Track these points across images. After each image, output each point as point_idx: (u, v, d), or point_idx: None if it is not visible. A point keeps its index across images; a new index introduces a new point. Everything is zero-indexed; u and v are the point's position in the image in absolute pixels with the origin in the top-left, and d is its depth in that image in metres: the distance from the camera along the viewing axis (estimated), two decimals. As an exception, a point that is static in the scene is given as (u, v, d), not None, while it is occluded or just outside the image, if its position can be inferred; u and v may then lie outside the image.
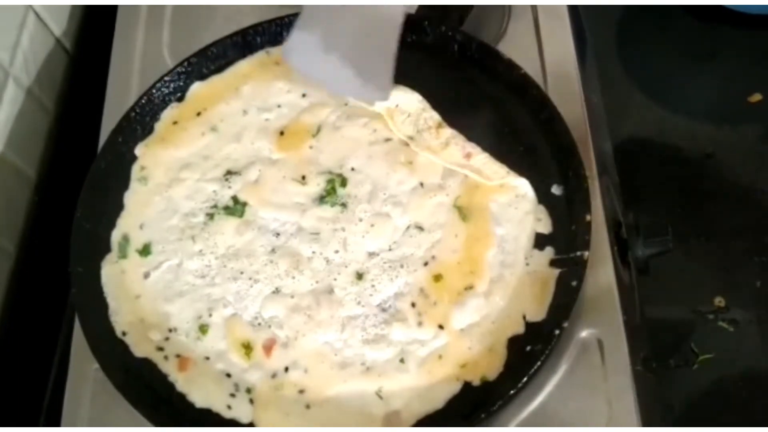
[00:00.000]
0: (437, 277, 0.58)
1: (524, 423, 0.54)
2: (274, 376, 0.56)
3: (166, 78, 0.68)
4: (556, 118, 0.61)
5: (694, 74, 0.75)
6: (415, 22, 0.67)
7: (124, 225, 0.63)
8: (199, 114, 0.67)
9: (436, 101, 0.66)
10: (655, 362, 0.58)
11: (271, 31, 0.70)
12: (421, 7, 0.68)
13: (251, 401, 0.55)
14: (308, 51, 0.63)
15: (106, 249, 0.62)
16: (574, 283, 0.55)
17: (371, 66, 0.61)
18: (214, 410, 0.56)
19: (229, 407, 0.55)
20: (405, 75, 0.66)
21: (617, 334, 0.57)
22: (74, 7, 0.81)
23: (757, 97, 0.70)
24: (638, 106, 0.73)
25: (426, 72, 0.67)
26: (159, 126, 0.67)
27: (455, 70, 0.67)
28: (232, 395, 0.56)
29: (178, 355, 0.58)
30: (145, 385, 0.57)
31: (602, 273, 0.58)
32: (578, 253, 0.56)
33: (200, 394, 0.56)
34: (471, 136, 0.64)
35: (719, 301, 0.59)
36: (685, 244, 0.65)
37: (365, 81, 0.62)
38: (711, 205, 0.67)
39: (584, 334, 0.57)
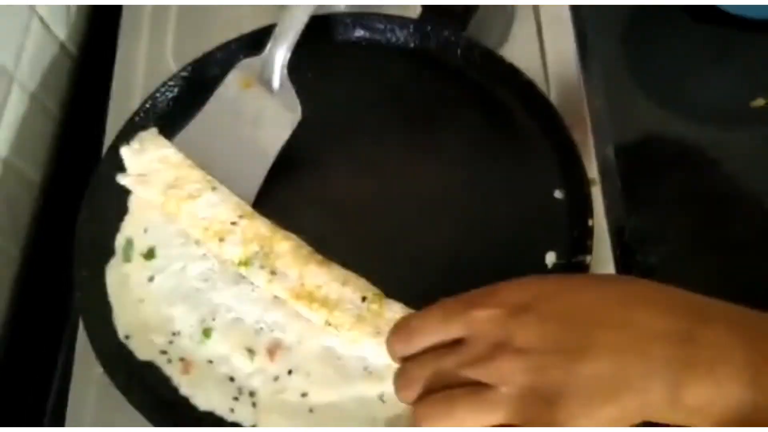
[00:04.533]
0: (439, 281, 0.58)
1: (526, 427, 0.54)
2: (276, 379, 0.56)
3: (170, 82, 0.68)
4: (558, 123, 0.61)
5: (698, 78, 0.75)
6: (418, 27, 0.68)
7: (128, 229, 0.63)
8: (203, 118, 0.67)
9: (438, 106, 0.66)
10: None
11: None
12: (424, 12, 0.68)
13: (254, 405, 0.55)
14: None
15: (110, 253, 0.62)
16: (576, 288, 0.54)
17: (241, 183, 0.62)
18: (217, 413, 0.56)
19: (232, 410, 0.55)
20: (408, 79, 0.67)
21: (619, 338, 0.57)
22: (79, 12, 0.81)
23: (760, 102, 0.69)
24: (642, 110, 0.73)
25: (429, 76, 0.68)
26: (163, 130, 0.67)
27: (458, 75, 0.67)
28: (235, 398, 0.56)
29: (181, 359, 0.58)
30: (148, 388, 0.57)
31: (604, 278, 0.58)
32: (580, 258, 0.56)
33: (203, 397, 0.56)
34: (473, 140, 0.64)
35: (723, 306, 0.59)
36: (689, 249, 0.64)
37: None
38: (716, 211, 0.67)
39: (586, 338, 0.57)
